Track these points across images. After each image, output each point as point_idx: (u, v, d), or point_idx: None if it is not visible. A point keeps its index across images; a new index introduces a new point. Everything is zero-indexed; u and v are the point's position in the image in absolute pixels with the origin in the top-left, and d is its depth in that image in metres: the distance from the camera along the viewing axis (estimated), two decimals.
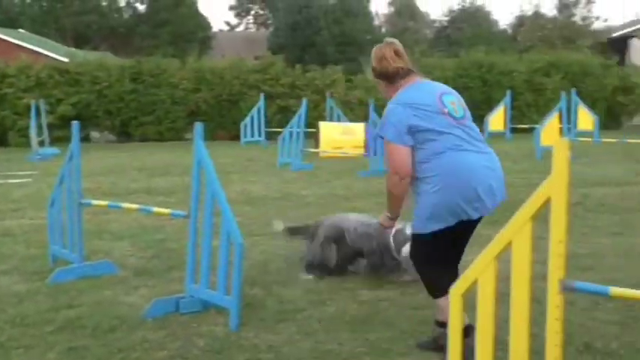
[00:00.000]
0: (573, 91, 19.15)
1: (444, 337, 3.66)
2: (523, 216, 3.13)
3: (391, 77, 3.94)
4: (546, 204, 3.05)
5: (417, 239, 3.98)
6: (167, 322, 4.60)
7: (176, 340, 4.29)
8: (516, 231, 3.15)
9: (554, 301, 3.05)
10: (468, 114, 3.96)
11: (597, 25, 39.62)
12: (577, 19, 39.03)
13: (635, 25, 39.68)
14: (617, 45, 37.31)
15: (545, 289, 3.08)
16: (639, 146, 14.78)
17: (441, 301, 3.86)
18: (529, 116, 22.32)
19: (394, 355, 4.04)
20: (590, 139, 16.80)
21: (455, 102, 3.91)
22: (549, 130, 14.69)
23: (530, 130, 18.57)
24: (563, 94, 16.87)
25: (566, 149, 2.97)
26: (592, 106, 20.23)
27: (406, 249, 5.08)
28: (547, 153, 13.28)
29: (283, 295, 5.19)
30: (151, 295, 5.11)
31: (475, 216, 3.85)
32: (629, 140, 15.98)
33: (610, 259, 6.07)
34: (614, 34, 38.80)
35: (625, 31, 38.78)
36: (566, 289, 3.06)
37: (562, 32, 36.57)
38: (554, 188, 2.99)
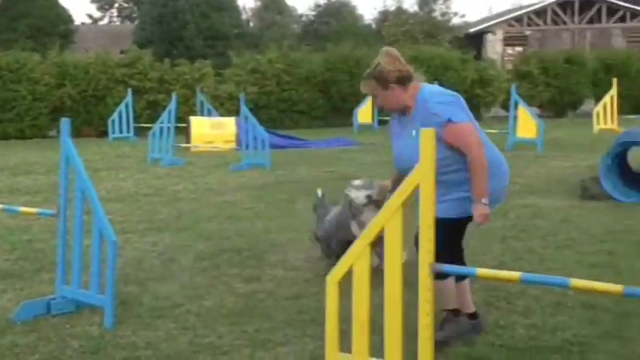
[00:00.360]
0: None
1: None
2: (394, 202, 3.27)
3: (408, 80, 3.98)
4: (415, 190, 3.19)
5: (448, 224, 3.93)
6: (38, 325, 4.44)
7: (49, 343, 4.15)
8: (388, 217, 3.27)
9: (425, 283, 3.20)
10: None
11: (455, 20, 41.27)
12: (437, 14, 40.47)
13: (489, 21, 41.65)
14: (474, 40, 39.06)
15: (415, 274, 3.23)
16: (497, 136, 15.54)
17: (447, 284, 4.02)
18: None
19: (273, 345, 4.10)
20: None
21: None
22: None
23: None
24: None
25: (433, 138, 3.13)
26: None
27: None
28: None
29: (159, 291, 5.14)
30: (19, 299, 4.91)
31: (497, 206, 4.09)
32: (487, 131, 16.74)
33: (474, 243, 6.36)
34: (471, 30, 40.57)
35: (481, 26, 40.63)
36: (435, 271, 3.22)
37: (423, 27, 37.80)
38: (423, 175, 3.14)
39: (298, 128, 21.65)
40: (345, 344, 3.52)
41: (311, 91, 22.96)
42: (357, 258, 3.42)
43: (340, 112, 23.10)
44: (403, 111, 4.01)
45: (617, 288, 2.96)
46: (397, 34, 37.11)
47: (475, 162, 3.78)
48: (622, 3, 39.59)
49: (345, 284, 3.48)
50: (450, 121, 3.82)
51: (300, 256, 6.09)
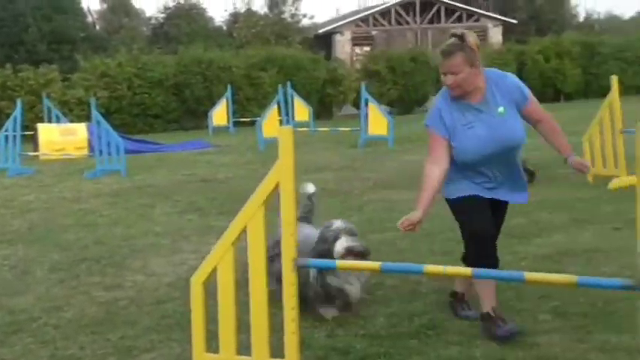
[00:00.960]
0: (289, 84, 20.14)
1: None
2: (255, 202, 3.33)
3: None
4: (276, 189, 3.27)
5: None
6: None
7: None
8: (250, 216, 3.33)
9: (289, 278, 3.29)
10: None
11: (305, 22, 41.93)
12: (286, 16, 40.93)
13: (337, 22, 42.60)
14: (323, 40, 39.85)
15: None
16: (349, 134, 15.99)
17: None
18: (250, 110, 23.03)
19: (138, 352, 4.05)
20: (306, 129, 17.80)
21: None
22: (270, 122, 15.35)
23: (252, 123, 19.24)
24: (279, 88, 17.68)
25: (291, 136, 3.22)
26: (306, 98, 21.42)
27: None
28: (269, 144, 13.89)
29: (14, 305, 4.93)
30: None
31: None
32: (340, 129, 17.21)
33: None
34: (320, 31, 41.34)
35: (329, 27, 41.48)
36: (299, 266, 3.32)
37: (274, 29, 38.12)
38: (282, 173, 3.22)
39: (153, 132, 21.28)
40: (212, 345, 3.54)
41: (164, 95, 22.63)
42: (220, 258, 3.45)
43: (195, 114, 22.92)
44: (464, 95, 3.89)
45: (466, 271, 3.18)
46: (248, 35, 37.23)
47: (553, 121, 4.03)
48: (458, 4, 41.74)
49: (210, 285, 3.51)
50: (529, 93, 4.00)
51: (161, 260, 6.03)
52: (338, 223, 4.34)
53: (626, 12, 79.99)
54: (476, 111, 3.89)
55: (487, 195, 4.02)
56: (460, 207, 4.04)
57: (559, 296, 4.49)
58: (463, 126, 3.88)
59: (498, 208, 4.13)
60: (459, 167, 3.98)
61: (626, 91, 17.89)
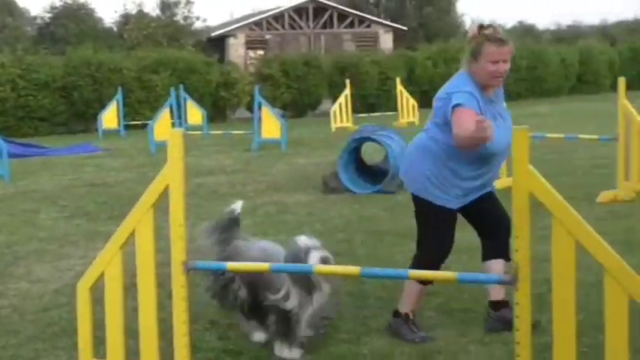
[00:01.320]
0: (181, 87, 19.91)
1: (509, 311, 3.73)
2: (144, 204, 3.30)
3: None
4: (165, 191, 3.25)
5: None
6: None
7: None
8: (139, 219, 3.30)
9: (179, 281, 3.27)
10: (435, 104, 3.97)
11: (198, 24, 41.60)
12: (179, 18, 40.50)
13: (230, 25, 42.48)
14: (217, 43, 39.64)
15: (169, 274, 3.28)
16: (243, 137, 15.96)
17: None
18: (142, 112, 22.59)
19: None
20: (200, 133, 17.65)
21: None
22: (162, 125, 15.12)
23: (144, 126, 18.90)
24: (172, 91, 17.45)
25: (181, 139, 3.21)
26: (199, 101, 21.21)
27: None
28: (161, 147, 13.67)
29: None
30: None
31: None
32: (234, 132, 17.15)
33: None
34: (213, 34, 41.10)
35: (222, 30, 41.29)
36: (189, 269, 3.31)
37: (166, 31, 37.63)
38: (172, 176, 3.21)
39: (38, 135, 20.55)
40: (99, 351, 3.49)
41: (51, 97, 21.88)
42: (108, 263, 3.40)
43: (83, 117, 22.30)
44: (488, 87, 3.89)
45: (354, 270, 3.25)
46: (139, 37, 36.58)
47: None
48: (350, 10, 42.47)
49: (97, 290, 3.44)
50: None
51: (47, 267, 5.86)
52: (304, 240, 3.96)
53: (508, 22, 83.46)
54: (492, 103, 3.92)
55: (458, 206, 4.00)
56: (441, 217, 3.97)
57: (445, 293, 4.66)
58: (491, 116, 3.81)
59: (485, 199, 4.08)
60: (453, 165, 3.88)
61: (509, 97, 18.69)
